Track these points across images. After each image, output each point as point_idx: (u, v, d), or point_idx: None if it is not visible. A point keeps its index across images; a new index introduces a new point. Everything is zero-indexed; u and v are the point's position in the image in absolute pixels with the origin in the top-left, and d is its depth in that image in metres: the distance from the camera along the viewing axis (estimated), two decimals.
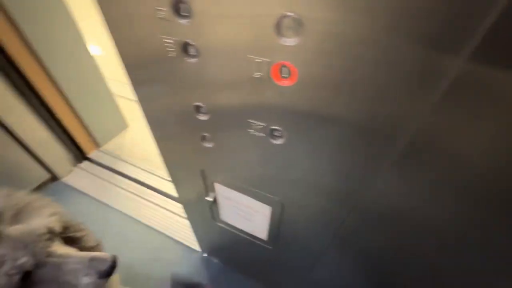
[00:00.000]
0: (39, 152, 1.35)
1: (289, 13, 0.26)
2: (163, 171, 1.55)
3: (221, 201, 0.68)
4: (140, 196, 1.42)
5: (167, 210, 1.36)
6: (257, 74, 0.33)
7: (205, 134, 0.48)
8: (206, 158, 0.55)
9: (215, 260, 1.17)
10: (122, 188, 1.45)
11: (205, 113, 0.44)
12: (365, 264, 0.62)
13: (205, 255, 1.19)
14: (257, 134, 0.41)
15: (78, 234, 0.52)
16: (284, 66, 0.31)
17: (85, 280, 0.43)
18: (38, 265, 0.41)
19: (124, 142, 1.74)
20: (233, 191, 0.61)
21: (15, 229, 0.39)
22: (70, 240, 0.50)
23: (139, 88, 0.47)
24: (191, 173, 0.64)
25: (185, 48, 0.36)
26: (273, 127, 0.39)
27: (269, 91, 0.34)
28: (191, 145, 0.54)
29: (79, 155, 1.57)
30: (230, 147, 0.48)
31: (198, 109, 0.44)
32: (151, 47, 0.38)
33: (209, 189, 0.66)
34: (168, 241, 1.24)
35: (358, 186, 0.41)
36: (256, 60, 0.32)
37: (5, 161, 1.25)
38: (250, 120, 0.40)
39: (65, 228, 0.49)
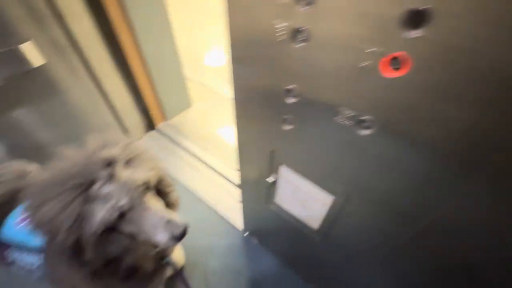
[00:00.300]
0: (122, 116, 1.58)
1: (418, 7, 0.27)
2: (218, 150, 1.67)
3: (281, 184, 0.72)
4: (196, 169, 1.56)
5: (219, 186, 1.47)
6: (363, 64, 0.35)
7: (287, 116, 0.52)
8: (281, 140, 0.59)
9: (255, 241, 1.24)
10: (182, 160, 1.62)
11: (294, 97, 0.48)
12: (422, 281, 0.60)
13: (246, 234, 1.27)
14: (343, 122, 0.43)
15: (167, 190, 0.60)
16: (395, 58, 0.32)
17: (160, 237, 0.49)
18: (131, 209, 0.48)
19: (187, 119, 1.92)
20: (297, 175, 0.64)
21: (124, 173, 0.48)
22: (160, 192, 0.58)
23: (238, 66, 0.53)
24: (259, 153, 0.69)
25: (295, 33, 0.39)
26: (363, 117, 0.40)
27: (372, 81, 0.35)
28: (269, 126, 0.59)
29: (150, 124, 1.79)
30: (309, 132, 0.51)
31: (288, 92, 0.48)
32: (262, 29, 0.43)
33: (273, 170, 0.70)
34: (214, 215, 1.35)
35: (438, 203, 0.40)
36: (367, 50, 0.33)
37: (95, 120, 1.50)
38: (340, 108, 0.42)
39: (159, 182, 0.58)
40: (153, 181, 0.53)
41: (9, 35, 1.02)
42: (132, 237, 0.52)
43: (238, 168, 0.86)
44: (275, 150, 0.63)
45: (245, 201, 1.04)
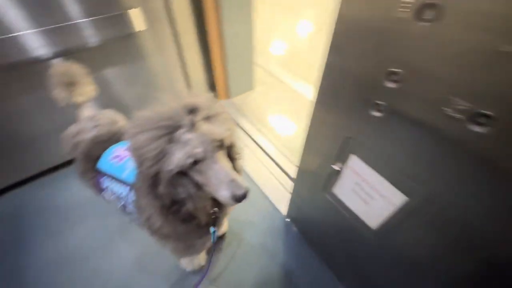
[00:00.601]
0: (193, 86, 1.72)
1: None
2: (272, 135, 1.70)
3: (346, 174, 0.70)
4: (250, 149, 1.62)
5: (269, 169, 1.51)
6: (504, 48, 0.31)
7: (381, 102, 0.50)
8: (362, 127, 0.57)
9: (294, 228, 1.25)
10: (238, 138, 1.70)
11: (395, 82, 0.45)
12: None
13: (288, 220, 1.28)
14: (453, 114, 0.39)
15: (235, 156, 0.64)
16: None
17: (222, 193, 0.53)
18: (203, 160, 0.53)
19: (248, 101, 1.99)
20: (368, 167, 0.62)
21: (204, 126, 0.53)
22: (229, 157, 0.62)
23: (336, 48, 0.53)
24: (331, 138, 0.69)
25: (422, 9, 0.37)
26: (481, 111, 0.36)
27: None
28: (352, 111, 0.57)
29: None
30: (401, 122, 0.48)
31: (390, 75, 0.46)
32: (380, 4, 0.41)
33: (340, 158, 0.69)
34: (260, 196, 1.39)
35: None
36: None
37: (169, 87, 1.65)
38: (452, 98, 0.39)
39: (231, 146, 0.62)
40: (227, 141, 0.56)
41: (121, 1, 1.18)
42: (198, 187, 0.57)
43: (301, 154, 0.87)
44: (352, 137, 0.62)
45: (297, 185, 1.04)
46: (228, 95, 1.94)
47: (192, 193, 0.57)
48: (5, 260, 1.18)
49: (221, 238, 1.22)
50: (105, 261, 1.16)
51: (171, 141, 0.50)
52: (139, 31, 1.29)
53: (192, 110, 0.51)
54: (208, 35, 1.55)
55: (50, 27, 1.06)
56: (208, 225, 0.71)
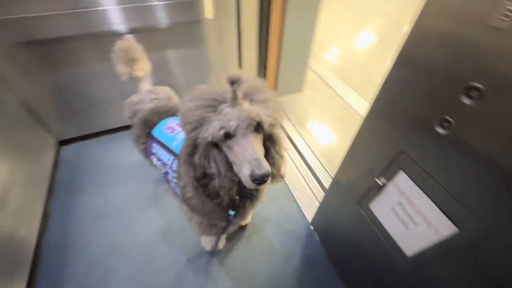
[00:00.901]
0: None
1: None
2: (312, 142, 1.67)
3: (389, 191, 0.66)
4: (288, 150, 1.61)
5: (303, 174, 1.49)
6: None
7: (450, 119, 0.46)
8: (421, 143, 0.53)
9: (317, 238, 1.21)
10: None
11: (474, 98, 0.41)
12: None
13: (311, 227, 1.25)
14: None
15: (277, 154, 0.64)
16: None
17: (243, 170, 0.52)
18: (235, 136, 0.53)
19: (294, 102, 1.98)
20: (417, 187, 0.57)
21: (244, 102, 0.54)
22: (265, 147, 0.62)
23: (406, 58, 0.49)
24: (380, 150, 0.65)
25: None
26: None
27: None
28: (412, 124, 0.53)
29: None
30: (472, 145, 0.43)
31: (469, 90, 0.41)
32: (475, 13, 0.37)
33: (386, 173, 0.65)
34: (288, 196, 1.38)
35: None
36: None
37: (223, 73, 1.72)
38: None
39: (272, 137, 0.63)
40: (266, 126, 0.55)
41: None
42: (228, 166, 0.58)
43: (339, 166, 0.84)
44: (405, 152, 0.57)
45: (330, 194, 1.01)
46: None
47: (221, 171, 0.59)
48: (60, 196, 1.37)
49: (243, 227, 1.24)
50: (135, 222, 1.27)
51: (213, 111, 0.53)
52: (206, 19, 1.38)
53: (234, 81, 0.52)
54: (269, 31, 1.57)
55: (132, 5, 1.19)
56: (233, 208, 0.73)
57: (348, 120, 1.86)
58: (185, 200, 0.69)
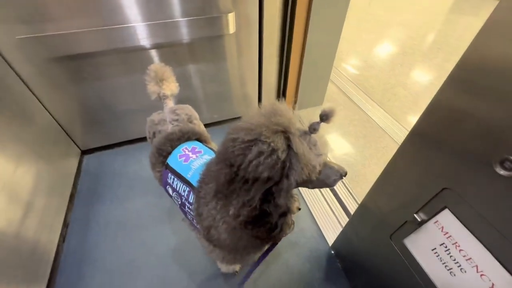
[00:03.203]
0: (263, 92, 1.75)
1: None
2: (331, 157, 1.61)
3: (430, 229, 0.59)
4: None
5: (325, 195, 1.42)
6: None
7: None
8: (474, 182, 0.46)
9: (339, 265, 1.13)
10: None
11: None
12: None
13: (332, 252, 1.17)
14: None
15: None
16: None
17: (332, 179, 0.59)
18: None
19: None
20: (465, 230, 0.50)
21: (303, 144, 0.50)
22: None
23: (460, 82, 0.44)
24: (420, 183, 0.59)
25: None
26: None
27: None
28: (464, 161, 0.47)
29: None
30: None
31: None
32: None
33: (427, 209, 0.58)
34: (308, 217, 1.32)
35: None
36: None
37: (242, 89, 1.71)
38: None
39: None
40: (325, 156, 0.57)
41: (218, 5, 1.27)
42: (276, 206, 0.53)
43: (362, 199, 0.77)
44: (451, 189, 0.51)
45: (356, 220, 0.94)
46: (294, 107, 1.91)
47: (289, 206, 0.56)
48: (80, 206, 1.39)
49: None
50: (152, 236, 1.25)
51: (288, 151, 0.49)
52: (228, 34, 1.38)
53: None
54: (291, 44, 1.55)
55: (157, 22, 1.21)
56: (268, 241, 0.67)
57: (371, 135, 1.78)
58: (211, 240, 0.65)
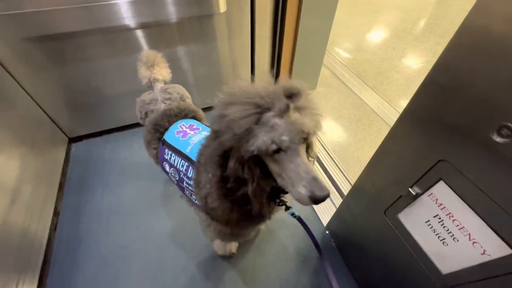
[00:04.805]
0: (257, 75, 1.71)
1: None
2: (326, 141, 1.61)
3: (424, 202, 0.60)
4: None
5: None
6: None
7: (509, 124, 0.39)
8: (470, 152, 0.46)
9: (333, 244, 1.16)
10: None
11: None
12: None
13: (327, 232, 1.20)
14: None
15: (311, 146, 0.59)
16: None
17: (299, 189, 0.48)
18: (286, 150, 0.48)
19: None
20: (460, 200, 0.51)
21: (294, 114, 0.49)
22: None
23: (453, 58, 0.43)
24: (417, 157, 0.59)
25: None
26: None
27: None
28: (459, 132, 0.47)
29: None
30: None
31: None
32: None
33: (422, 183, 0.59)
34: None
35: None
36: None
37: (234, 71, 1.66)
38: None
39: (309, 144, 0.57)
40: (312, 135, 0.52)
41: None
42: (264, 174, 0.54)
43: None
44: (447, 161, 0.51)
45: (350, 199, 0.95)
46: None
47: (255, 177, 0.53)
48: (71, 194, 1.35)
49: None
50: (146, 221, 1.24)
51: (257, 121, 0.47)
52: (218, 13, 1.32)
53: (292, 95, 0.47)
54: (283, 26, 1.50)
55: None
56: (259, 216, 0.68)
57: (364, 118, 1.78)
58: (207, 210, 0.65)
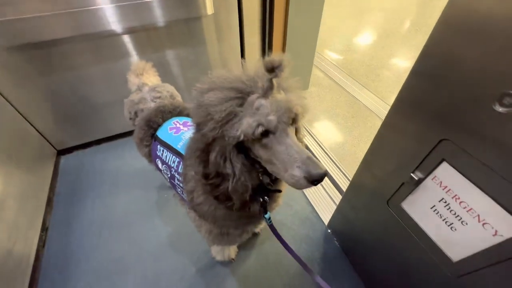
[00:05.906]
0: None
1: None
2: (320, 139, 1.59)
3: (428, 186, 0.57)
4: None
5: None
6: None
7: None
8: (475, 127, 0.44)
9: (336, 243, 1.12)
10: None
11: None
12: None
13: (329, 231, 1.16)
14: None
15: (299, 130, 0.57)
16: None
17: (293, 172, 0.44)
18: (274, 132, 0.45)
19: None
20: (465, 180, 0.48)
21: (279, 94, 0.46)
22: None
23: (445, 33, 0.41)
24: (416, 141, 0.56)
25: None
26: None
27: None
28: (457, 105, 0.45)
29: None
30: None
31: None
32: None
33: (424, 166, 0.56)
34: (301, 199, 1.29)
35: None
36: None
37: (224, 59, 1.63)
38: None
39: (297, 128, 0.55)
40: (300, 116, 0.49)
41: None
42: (243, 165, 0.50)
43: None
44: (448, 139, 0.49)
45: (350, 193, 0.92)
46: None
47: (236, 172, 0.50)
48: (60, 208, 1.29)
49: (255, 234, 1.15)
50: (140, 232, 1.19)
51: (241, 105, 0.44)
52: (206, 16, 1.31)
53: (275, 68, 0.44)
54: (272, 27, 1.51)
55: (127, 3, 1.11)
56: (248, 215, 0.64)
57: (359, 115, 1.77)
58: (194, 206, 0.61)
